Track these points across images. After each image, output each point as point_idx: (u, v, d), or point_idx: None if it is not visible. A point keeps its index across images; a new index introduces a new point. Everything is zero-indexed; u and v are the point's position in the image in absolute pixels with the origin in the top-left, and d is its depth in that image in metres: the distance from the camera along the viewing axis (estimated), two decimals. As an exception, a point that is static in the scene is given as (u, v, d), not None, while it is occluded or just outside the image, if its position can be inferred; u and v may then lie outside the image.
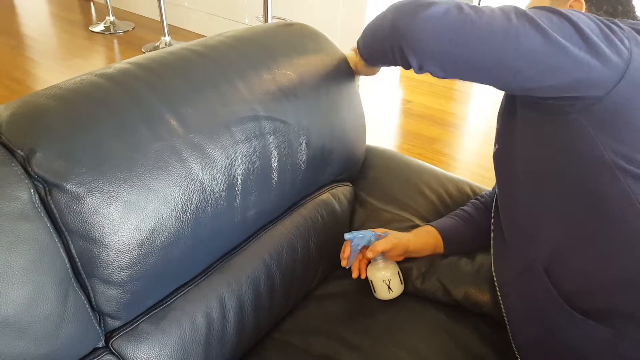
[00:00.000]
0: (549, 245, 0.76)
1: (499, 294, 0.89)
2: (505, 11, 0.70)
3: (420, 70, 0.74)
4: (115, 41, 3.86)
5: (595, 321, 0.70)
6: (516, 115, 0.83)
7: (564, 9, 0.72)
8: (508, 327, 0.87)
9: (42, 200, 0.63)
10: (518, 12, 0.70)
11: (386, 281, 0.99)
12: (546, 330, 0.77)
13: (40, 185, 0.63)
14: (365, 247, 0.99)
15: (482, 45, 0.69)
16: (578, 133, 0.72)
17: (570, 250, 0.74)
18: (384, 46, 0.78)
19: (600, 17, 0.72)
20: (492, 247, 0.93)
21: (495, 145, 0.92)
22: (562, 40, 0.67)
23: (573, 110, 0.73)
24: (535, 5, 0.80)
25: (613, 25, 0.71)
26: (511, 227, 0.85)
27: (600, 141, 0.71)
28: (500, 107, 0.90)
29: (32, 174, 0.62)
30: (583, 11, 0.84)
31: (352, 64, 1.06)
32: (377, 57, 0.87)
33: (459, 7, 0.70)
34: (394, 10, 0.75)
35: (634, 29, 0.74)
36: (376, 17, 0.82)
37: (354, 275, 1.01)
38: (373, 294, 1.02)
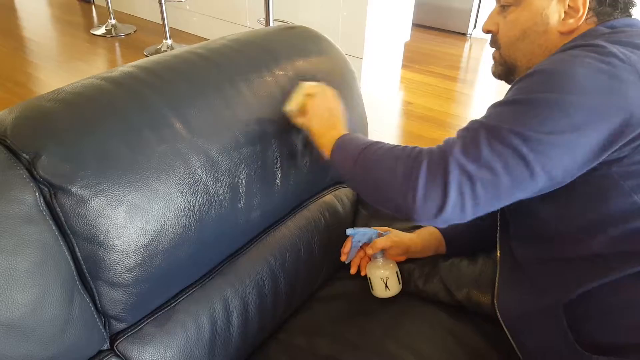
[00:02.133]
0: (576, 286, 0.71)
1: (502, 324, 0.84)
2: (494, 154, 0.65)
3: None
4: (116, 44, 3.87)
5: (615, 357, 0.67)
6: None
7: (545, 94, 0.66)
8: (518, 352, 0.84)
9: (47, 203, 0.63)
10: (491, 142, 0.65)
11: (384, 279, 0.99)
12: None
13: (46, 189, 0.63)
14: (367, 244, 1.00)
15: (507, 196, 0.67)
16: (607, 188, 0.68)
17: (599, 292, 0.69)
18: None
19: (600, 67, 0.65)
20: (498, 277, 0.87)
21: None
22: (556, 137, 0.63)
23: (601, 167, 0.68)
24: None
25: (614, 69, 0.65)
26: (534, 263, 0.79)
27: (630, 188, 0.67)
28: None
29: (38, 177, 0.63)
30: (586, 5, 0.76)
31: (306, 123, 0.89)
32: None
33: (470, 179, 0.65)
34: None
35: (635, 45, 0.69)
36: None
37: (352, 270, 1.02)
38: (370, 291, 1.02)
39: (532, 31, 0.80)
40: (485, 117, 0.69)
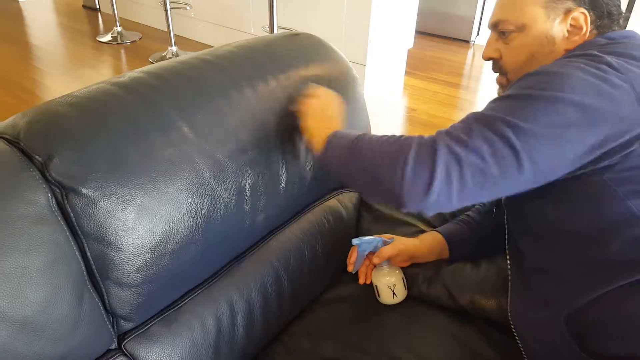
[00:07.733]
0: (577, 299, 0.72)
1: (514, 332, 0.86)
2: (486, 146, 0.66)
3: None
4: (122, 51, 3.91)
5: None
6: None
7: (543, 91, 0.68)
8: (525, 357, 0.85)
9: (58, 204, 0.65)
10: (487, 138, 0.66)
11: (391, 287, 1.00)
12: None
13: (57, 190, 0.65)
14: (372, 253, 1.00)
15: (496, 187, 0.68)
16: (601, 193, 0.70)
17: (598, 304, 0.70)
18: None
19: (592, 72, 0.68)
20: (510, 286, 0.89)
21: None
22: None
23: (594, 173, 0.70)
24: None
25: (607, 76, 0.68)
26: (536, 275, 0.80)
27: (624, 194, 0.69)
28: None
29: (50, 178, 0.64)
30: (588, 22, 0.79)
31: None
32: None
33: (460, 171, 0.65)
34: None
35: (629, 56, 0.71)
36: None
37: (361, 281, 1.03)
38: (377, 299, 1.03)
39: (539, 53, 0.81)
40: (482, 110, 0.72)
